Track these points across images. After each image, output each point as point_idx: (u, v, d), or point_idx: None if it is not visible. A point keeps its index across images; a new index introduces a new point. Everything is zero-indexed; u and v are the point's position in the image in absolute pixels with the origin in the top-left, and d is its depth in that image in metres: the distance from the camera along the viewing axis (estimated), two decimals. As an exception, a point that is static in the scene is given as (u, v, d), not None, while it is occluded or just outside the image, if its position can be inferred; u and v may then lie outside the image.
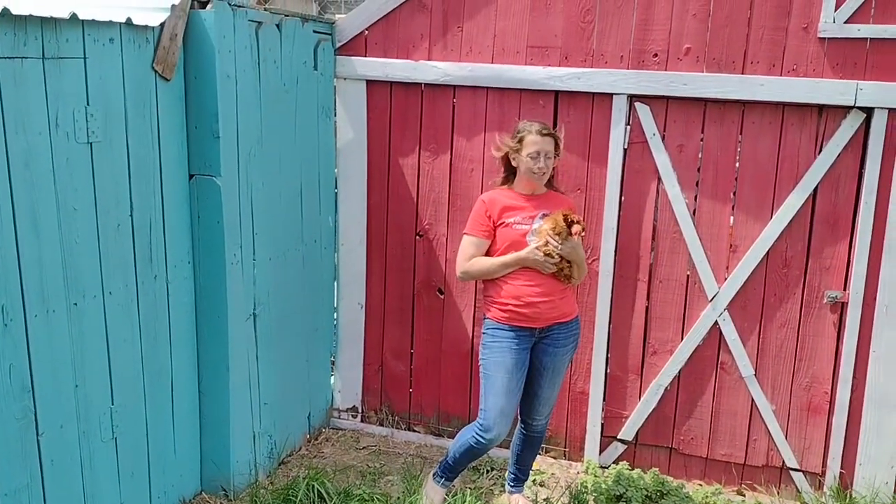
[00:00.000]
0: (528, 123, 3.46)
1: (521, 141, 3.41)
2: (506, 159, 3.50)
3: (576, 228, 3.33)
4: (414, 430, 4.57)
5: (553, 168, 3.49)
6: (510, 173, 3.53)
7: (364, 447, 4.44)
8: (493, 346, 3.44)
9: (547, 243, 3.31)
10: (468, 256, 3.46)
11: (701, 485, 4.13)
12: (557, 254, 3.31)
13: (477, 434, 3.45)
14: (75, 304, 2.93)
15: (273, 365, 4.01)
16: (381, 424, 4.62)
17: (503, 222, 3.41)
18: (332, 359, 4.66)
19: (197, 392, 3.68)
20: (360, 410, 4.66)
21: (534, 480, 4.04)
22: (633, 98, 3.90)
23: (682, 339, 4.04)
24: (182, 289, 3.52)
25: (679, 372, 4.07)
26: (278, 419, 4.11)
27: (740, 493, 4.07)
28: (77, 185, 2.89)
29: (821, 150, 3.73)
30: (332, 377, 4.68)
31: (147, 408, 3.37)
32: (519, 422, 3.69)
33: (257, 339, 3.85)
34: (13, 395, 2.71)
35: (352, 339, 4.58)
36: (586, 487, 4.00)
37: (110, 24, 2.95)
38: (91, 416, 3.07)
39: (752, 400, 3.99)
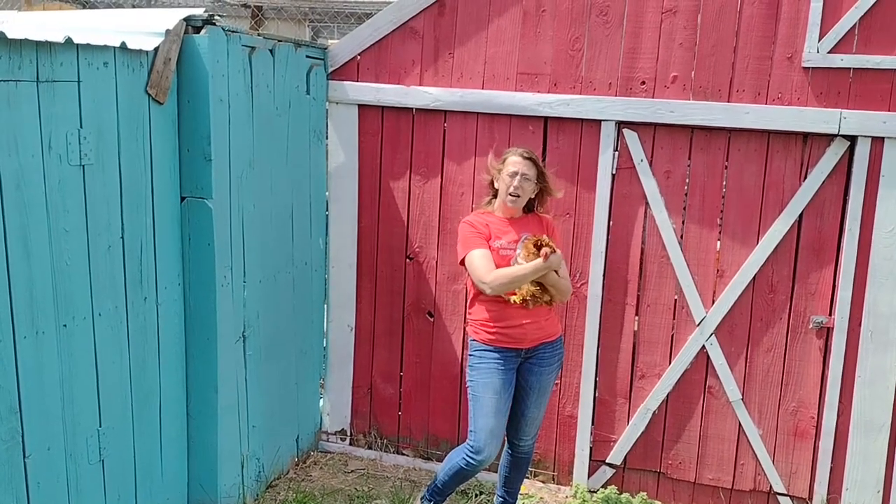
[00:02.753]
0: (514, 148, 3.59)
1: (503, 162, 3.49)
2: (492, 182, 3.57)
3: (544, 251, 3.31)
4: (402, 454, 4.56)
5: (539, 196, 3.54)
6: (494, 196, 3.57)
7: (352, 470, 4.43)
8: (480, 367, 3.45)
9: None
10: (488, 269, 3.34)
11: (689, 509, 4.14)
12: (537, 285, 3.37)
13: (467, 456, 3.45)
14: (65, 325, 2.93)
15: (262, 387, 4.00)
16: (370, 447, 4.61)
17: (489, 245, 3.44)
18: (322, 381, 4.66)
19: (185, 414, 3.67)
20: (348, 433, 4.65)
21: (522, 504, 4.04)
22: (621, 124, 3.95)
23: (670, 363, 4.07)
24: (172, 311, 3.52)
25: (667, 396, 4.09)
26: (266, 442, 4.10)
27: (728, 518, 4.08)
28: (69, 206, 2.90)
29: (806, 177, 3.79)
30: (321, 400, 4.67)
31: (135, 430, 3.35)
32: (506, 444, 3.69)
33: (246, 361, 3.85)
34: (0, 416, 2.69)
35: (341, 362, 4.59)
36: (575, 512, 4.00)
37: (105, 48, 2.98)
38: (78, 438, 3.05)
39: (740, 424, 4.01)
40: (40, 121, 2.74)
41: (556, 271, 3.39)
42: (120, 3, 8.00)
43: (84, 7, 7.57)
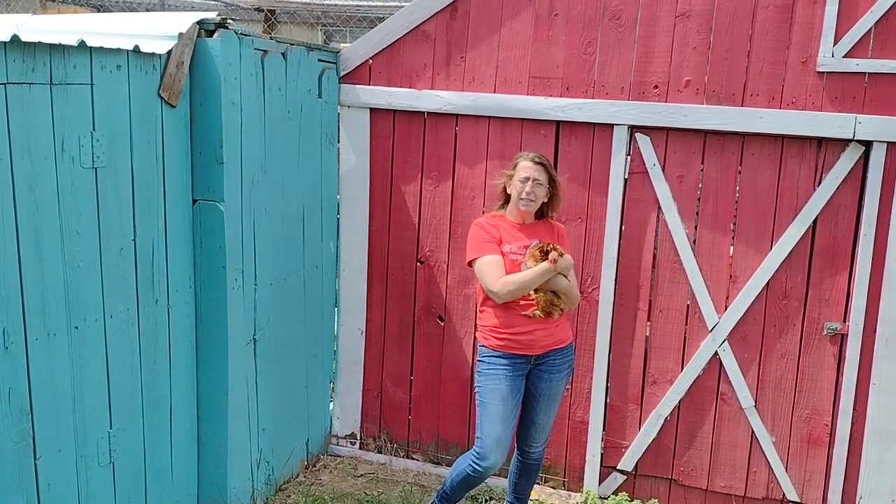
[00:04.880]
0: (525, 152, 3.56)
1: (515, 167, 3.47)
2: (504, 188, 3.54)
3: (552, 255, 3.31)
4: (412, 458, 4.55)
5: (550, 202, 3.51)
6: (506, 201, 3.55)
7: (362, 475, 4.42)
8: (489, 373, 3.43)
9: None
10: (496, 276, 3.34)
11: (701, 517, 4.10)
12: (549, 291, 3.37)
13: (473, 462, 3.43)
14: (76, 327, 2.94)
15: (272, 390, 4.00)
16: (380, 452, 4.60)
17: (500, 250, 3.42)
18: (332, 385, 4.66)
19: (195, 417, 3.67)
20: (358, 437, 4.64)
21: (532, 510, 4.02)
22: (633, 129, 3.93)
23: (682, 369, 4.04)
24: (183, 313, 3.52)
25: (679, 402, 4.06)
26: (276, 445, 4.09)
27: (740, 526, 4.05)
28: (81, 209, 2.91)
29: (820, 183, 3.75)
30: (331, 403, 4.67)
31: (145, 432, 3.36)
32: (516, 450, 3.67)
33: (257, 364, 3.85)
34: (12, 418, 2.70)
35: (351, 366, 4.58)
36: (585, 518, 3.97)
37: (118, 51, 3.00)
38: (89, 440, 3.06)
39: (752, 431, 3.98)
40: (53, 123, 2.75)
41: (565, 276, 3.37)
42: (133, 7, 8.05)
43: (98, 10, 7.62)
